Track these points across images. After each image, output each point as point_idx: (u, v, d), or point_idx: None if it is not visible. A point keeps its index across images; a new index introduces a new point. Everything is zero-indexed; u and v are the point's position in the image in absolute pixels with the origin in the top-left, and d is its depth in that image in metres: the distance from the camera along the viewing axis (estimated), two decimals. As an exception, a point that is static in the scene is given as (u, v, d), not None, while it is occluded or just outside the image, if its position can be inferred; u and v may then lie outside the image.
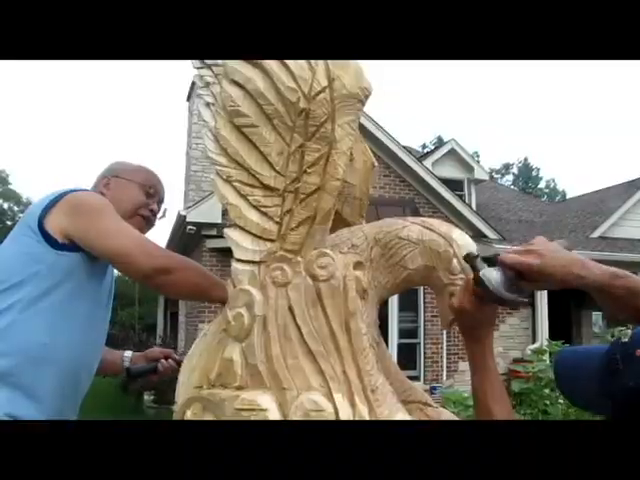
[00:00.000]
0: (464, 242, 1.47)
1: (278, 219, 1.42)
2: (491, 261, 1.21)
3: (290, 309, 1.40)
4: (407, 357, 10.22)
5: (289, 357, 1.38)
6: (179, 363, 1.80)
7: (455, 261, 1.44)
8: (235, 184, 1.44)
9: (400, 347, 10.38)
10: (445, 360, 11.29)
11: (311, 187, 1.40)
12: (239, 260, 1.45)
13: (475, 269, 1.18)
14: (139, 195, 1.83)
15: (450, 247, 1.45)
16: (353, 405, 1.33)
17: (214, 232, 9.72)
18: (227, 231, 1.46)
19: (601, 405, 1.00)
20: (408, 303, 10.92)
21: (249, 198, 1.43)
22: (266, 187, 1.43)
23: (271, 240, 1.43)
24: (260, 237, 1.43)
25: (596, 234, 14.38)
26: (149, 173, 1.91)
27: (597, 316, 13.48)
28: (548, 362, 5.70)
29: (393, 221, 1.52)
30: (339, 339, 1.37)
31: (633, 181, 16.26)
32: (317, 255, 1.41)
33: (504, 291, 1.16)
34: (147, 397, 10.11)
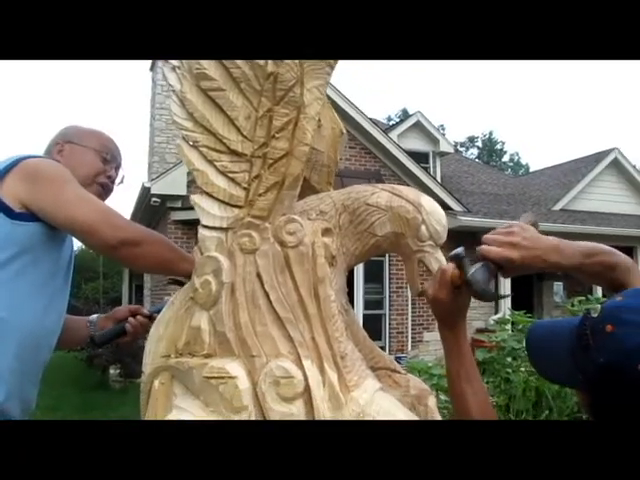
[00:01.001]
0: (432, 209, 1.47)
1: (246, 185, 1.40)
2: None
3: (258, 276, 1.38)
4: (373, 328, 10.31)
5: (257, 324, 1.37)
6: (151, 317, 1.74)
7: (423, 228, 1.45)
8: (202, 149, 1.40)
9: (366, 318, 10.46)
10: (410, 331, 11.48)
11: (279, 152, 1.37)
12: (206, 227, 1.42)
13: (463, 271, 1.17)
14: (95, 162, 1.75)
15: (418, 214, 1.45)
16: (322, 371, 1.33)
17: (179, 204, 9.62)
18: (194, 197, 1.43)
19: (574, 380, 0.99)
20: (373, 275, 11.01)
21: (216, 164, 1.40)
22: (233, 152, 1.39)
23: (239, 206, 1.40)
24: (227, 203, 1.41)
25: (558, 207, 14.67)
26: (105, 138, 1.83)
27: (558, 286, 13.79)
28: (510, 331, 5.80)
29: (362, 188, 1.51)
30: (308, 306, 1.36)
31: (594, 155, 16.52)
32: (285, 221, 1.39)
33: (490, 289, 1.18)
34: (113, 371, 10.03)
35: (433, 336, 11.00)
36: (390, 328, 11.31)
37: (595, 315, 0.98)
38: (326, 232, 1.43)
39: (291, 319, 1.36)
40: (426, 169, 12.80)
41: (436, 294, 1.21)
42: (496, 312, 12.01)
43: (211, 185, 1.40)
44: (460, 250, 1.20)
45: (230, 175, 1.40)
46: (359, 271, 10.66)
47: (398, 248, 1.49)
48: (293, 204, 1.43)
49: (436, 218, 1.46)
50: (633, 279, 1.21)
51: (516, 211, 13.43)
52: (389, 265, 11.18)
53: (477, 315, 12.10)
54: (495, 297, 1.23)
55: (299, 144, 1.37)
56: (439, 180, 13.07)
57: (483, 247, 1.20)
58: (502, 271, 1.19)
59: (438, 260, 1.45)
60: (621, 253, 1.27)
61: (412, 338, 11.49)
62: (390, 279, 11.24)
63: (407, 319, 11.41)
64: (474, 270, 1.16)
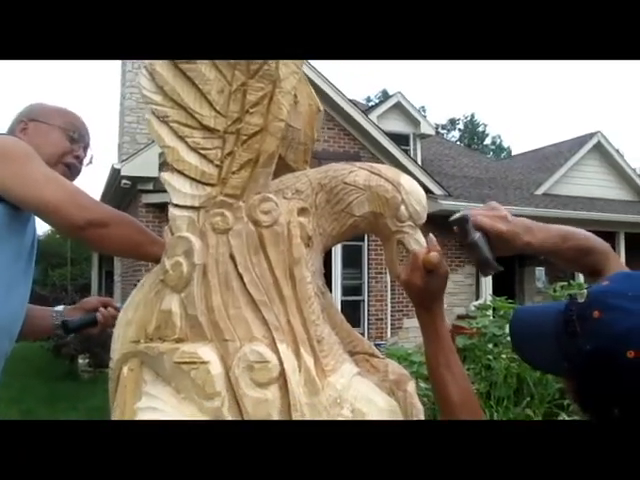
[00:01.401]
0: (412, 188, 1.47)
1: (218, 162, 1.38)
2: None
3: (231, 257, 1.37)
4: (351, 314, 10.36)
5: (231, 307, 1.35)
6: (119, 310, 1.73)
7: (403, 208, 1.45)
8: (172, 125, 1.38)
9: (344, 304, 10.52)
10: (389, 317, 11.56)
11: (254, 128, 1.35)
12: (177, 206, 1.40)
13: (467, 235, 1.18)
14: (62, 141, 1.73)
15: (398, 193, 1.45)
16: (298, 356, 1.33)
17: (150, 187, 9.54)
18: (164, 175, 1.41)
19: (560, 368, 1.00)
20: (352, 260, 11.06)
21: (187, 140, 1.38)
22: (205, 128, 1.37)
23: (211, 184, 1.39)
24: (199, 181, 1.39)
25: (540, 191, 14.81)
26: (72, 116, 1.80)
27: (540, 272, 13.96)
28: (492, 318, 5.87)
29: (339, 166, 1.50)
30: (283, 287, 1.35)
31: (577, 139, 16.67)
32: (260, 200, 1.38)
33: (493, 257, 1.19)
34: (81, 361, 9.94)
35: (413, 323, 11.08)
36: (369, 315, 11.38)
37: (581, 300, 0.98)
38: (302, 211, 1.42)
39: (265, 301, 1.35)
40: (406, 151, 12.85)
41: (408, 278, 1.23)
42: (477, 298, 12.15)
43: (182, 162, 1.38)
44: (466, 212, 1.21)
45: (202, 152, 1.38)
46: (337, 256, 10.70)
47: (376, 229, 1.48)
48: (268, 182, 1.41)
49: (416, 198, 1.46)
50: (610, 264, 1.23)
51: (498, 195, 13.54)
52: (368, 250, 11.22)
53: (458, 301, 12.22)
54: (497, 268, 1.23)
55: (274, 120, 1.36)
56: (420, 163, 13.11)
57: (477, 217, 1.21)
58: (491, 244, 1.21)
59: (418, 241, 1.45)
60: (597, 238, 1.29)
61: (391, 325, 11.59)
62: (369, 264, 11.29)
63: (386, 305, 11.49)
64: (479, 235, 1.18)
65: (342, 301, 10.71)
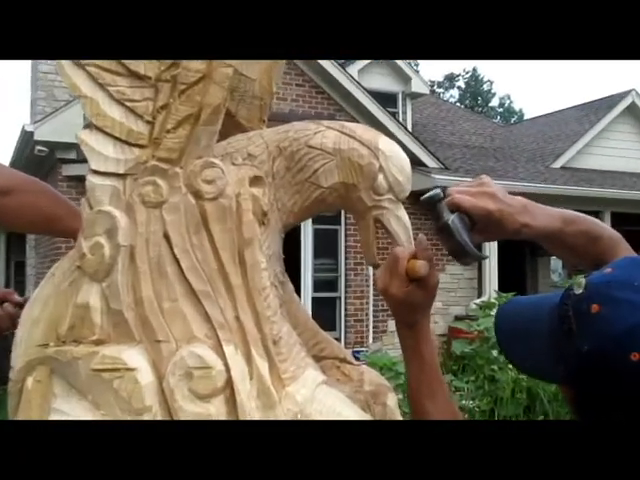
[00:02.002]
0: (393, 153, 1.46)
1: (149, 118, 1.36)
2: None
3: (166, 236, 1.35)
4: (324, 315, 10.41)
5: (165, 300, 1.34)
6: (22, 305, 1.70)
7: (381, 177, 1.44)
8: (90, 69, 1.36)
9: (316, 302, 10.57)
10: (371, 318, 11.61)
11: (194, 75, 1.34)
12: (97, 172, 1.38)
13: (439, 216, 1.20)
14: None
15: (375, 159, 1.44)
16: (249, 360, 1.32)
17: (73, 156, 9.44)
18: (80, 134, 1.39)
19: (555, 373, 1.01)
20: (326, 247, 11.09)
21: (110, 89, 1.36)
22: (133, 74, 1.36)
23: (140, 146, 1.37)
24: (125, 142, 1.37)
25: (558, 164, 14.97)
26: None
27: (557, 262, 14.14)
28: (496, 318, 5.92)
29: (303, 125, 1.50)
30: (230, 275, 1.35)
31: (605, 99, 16.84)
32: (202, 166, 1.36)
33: (472, 243, 1.20)
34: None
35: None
36: (346, 315, 11.44)
37: (578, 292, 0.99)
38: (255, 181, 1.41)
39: (209, 292, 1.34)
40: (394, 114, 12.90)
41: (385, 286, 1.22)
42: (479, 295, 12.25)
43: (103, 117, 1.36)
44: (437, 191, 1.23)
45: (129, 104, 1.36)
46: (307, 242, 10.72)
47: (349, 203, 1.48)
48: (212, 144, 1.40)
49: (397, 165, 1.46)
50: (621, 254, 1.23)
51: (506, 168, 13.67)
52: (345, 235, 11.26)
53: (455, 299, 12.33)
54: (477, 255, 1.24)
55: (220, 64, 1.34)
56: (410, 128, 13.17)
57: (455, 196, 1.23)
58: (475, 229, 1.22)
59: (399, 219, 1.45)
60: (606, 225, 1.33)
61: (374, 328, 11.65)
62: (347, 253, 11.33)
63: (368, 304, 11.55)
64: (454, 217, 1.19)
65: (313, 299, 10.76)
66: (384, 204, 1.45)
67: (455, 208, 1.22)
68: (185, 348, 1.32)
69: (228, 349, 1.32)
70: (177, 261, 1.35)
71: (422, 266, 1.20)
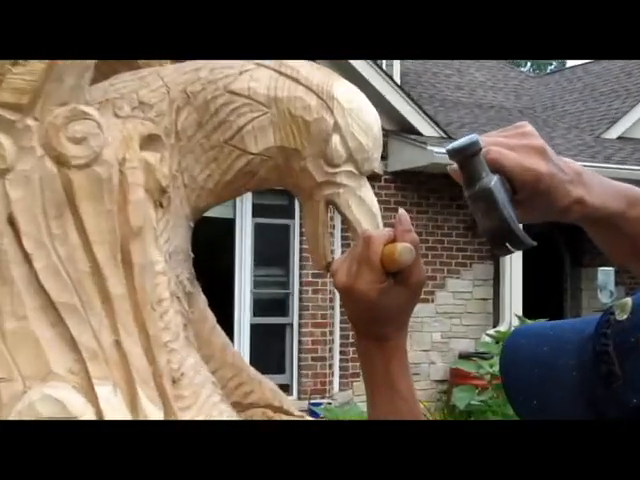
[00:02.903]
0: (354, 104, 1.24)
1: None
2: None
3: (10, 221, 1.14)
4: (268, 350, 8.84)
5: (8, 317, 1.12)
6: None
7: (336, 140, 1.22)
8: None
9: (255, 331, 8.72)
10: (337, 356, 9.25)
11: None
12: None
13: (474, 177, 0.96)
14: None
15: (328, 113, 1.23)
16: (134, 406, 1.12)
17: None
18: None
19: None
20: (272, 251, 9.37)
21: None
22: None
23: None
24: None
25: (613, 134, 11.91)
26: None
27: (607, 274, 9.60)
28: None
29: (223, 63, 1.27)
30: (109, 281, 1.15)
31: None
32: (67, 117, 1.17)
33: (516, 217, 0.96)
34: None
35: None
36: (300, 351, 9.12)
37: (622, 318, 0.84)
38: (149, 141, 1.19)
39: (75, 306, 1.15)
40: (380, 67, 10.63)
41: (351, 282, 0.99)
42: (495, 323, 9.86)
43: None
44: (475, 139, 0.95)
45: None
46: (245, 243, 8.74)
47: (289, 177, 1.26)
48: (84, 85, 1.17)
49: (361, 122, 1.24)
50: None
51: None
52: (301, 234, 9.14)
53: (460, 329, 9.83)
54: (526, 241, 0.96)
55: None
56: (397, 79, 11.06)
57: (492, 150, 0.96)
58: (515, 200, 0.96)
59: (362, 201, 1.21)
60: None
61: (341, 370, 9.29)
62: (302, 260, 9.01)
63: (332, 334, 9.00)
64: (495, 178, 0.93)
65: (252, 325, 8.83)
66: (340, 179, 1.24)
67: (496, 167, 0.96)
68: (37, 389, 1.15)
69: (102, 390, 1.15)
70: (28, 259, 1.16)
71: (405, 251, 0.95)
